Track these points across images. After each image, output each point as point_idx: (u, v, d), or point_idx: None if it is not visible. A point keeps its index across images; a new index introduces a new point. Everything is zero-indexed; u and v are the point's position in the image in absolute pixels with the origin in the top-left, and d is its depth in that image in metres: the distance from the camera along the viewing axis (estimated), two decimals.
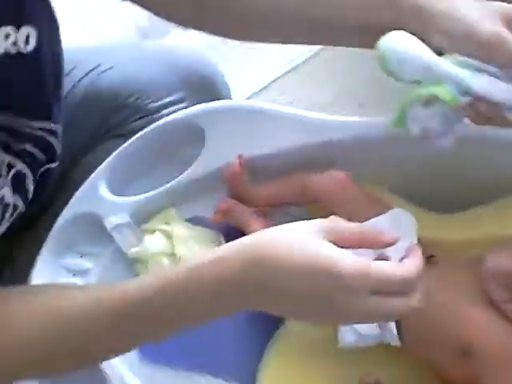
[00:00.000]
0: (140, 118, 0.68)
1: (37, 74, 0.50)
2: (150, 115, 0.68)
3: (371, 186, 0.57)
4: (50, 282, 0.53)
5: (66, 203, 0.58)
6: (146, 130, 0.62)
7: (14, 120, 0.50)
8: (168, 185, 0.60)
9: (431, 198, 0.57)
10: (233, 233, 0.57)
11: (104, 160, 0.61)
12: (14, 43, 0.46)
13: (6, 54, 0.45)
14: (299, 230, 0.38)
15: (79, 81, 0.67)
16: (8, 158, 0.52)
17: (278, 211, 0.59)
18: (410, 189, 0.58)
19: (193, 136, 0.61)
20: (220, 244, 0.58)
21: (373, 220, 0.42)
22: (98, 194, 0.58)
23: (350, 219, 0.47)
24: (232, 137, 0.60)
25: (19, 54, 0.47)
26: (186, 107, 0.68)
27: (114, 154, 0.61)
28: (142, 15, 1.17)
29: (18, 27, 0.46)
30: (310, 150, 0.58)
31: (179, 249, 0.57)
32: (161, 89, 0.69)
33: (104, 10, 1.11)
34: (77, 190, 0.59)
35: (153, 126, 0.62)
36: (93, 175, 0.59)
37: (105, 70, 0.69)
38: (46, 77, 0.51)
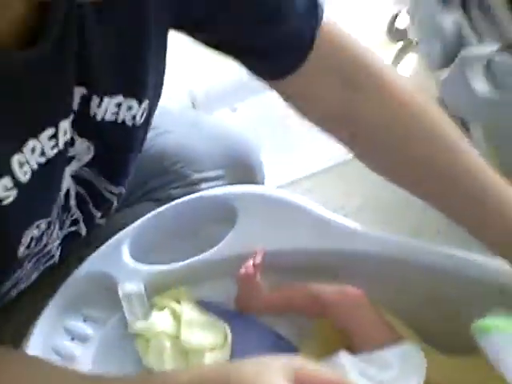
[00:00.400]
0: (179, 187, 0.69)
1: (134, 142, 0.52)
2: (190, 186, 0.68)
3: (381, 306, 0.54)
4: (48, 341, 0.51)
5: (82, 258, 0.57)
6: (182, 199, 0.61)
7: (97, 179, 0.51)
8: (188, 260, 0.58)
9: (438, 334, 0.54)
10: (238, 323, 0.56)
11: (132, 221, 0.60)
12: (134, 117, 0.48)
13: (121, 124, 0.47)
14: (265, 365, 0.40)
15: None
16: (77, 215, 0.52)
17: (283, 319, 0.57)
18: (416, 318, 0.55)
19: (223, 216, 0.60)
20: (225, 334, 0.56)
21: (383, 350, 0.41)
22: (119, 256, 0.57)
23: (359, 339, 0.45)
24: (262, 224, 0.59)
25: (131, 126, 0.49)
26: (222, 185, 0.68)
27: (145, 217, 0.60)
28: (198, 85, 1.21)
29: (140, 102, 0.48)
30: (320, 254, 0.57)
31: (184, 333, 0.54)
32: (206, 162, 0.69)
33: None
34: (97, 246, 0.58)
35: (190, 197, 0.62)
36: (118, 235, 0.58)
37: (161, 133, 0.69)
38: (137, 145, 0.53)
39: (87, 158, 0.48)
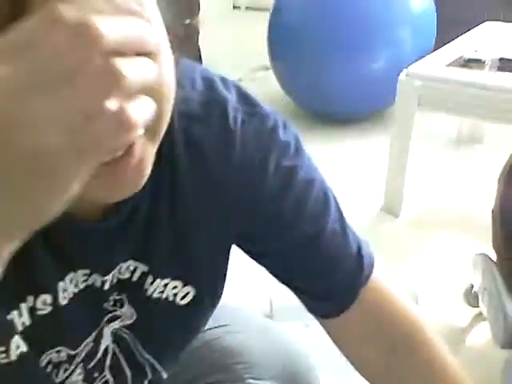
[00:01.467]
0: None
1: (174, 319, 0.55)
2: None
3: None
4: None
5: None
6: None
7: (134, 342, 0.55)
8: None
9: None
10: None
11: None
12: (175, 295, 0.54)
13: (164, 299, 0.53)
14: None
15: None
16: (108, 377, 0.55)
17: None
18: None
19: None
20: None
21: None
22: None
23: None
24: None
25: (173, 303, 0.54)
26: None
27: None
28: (278, 295, 1.25)
29: (185, 284, 0.54)
30: None
31: None
32: (266, 371, 0.70)
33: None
34: None
35: None
36: None
37: (230, 332, 0.72)
38: (177, 323, 0.56)
39: (129, 321, 0.53)
